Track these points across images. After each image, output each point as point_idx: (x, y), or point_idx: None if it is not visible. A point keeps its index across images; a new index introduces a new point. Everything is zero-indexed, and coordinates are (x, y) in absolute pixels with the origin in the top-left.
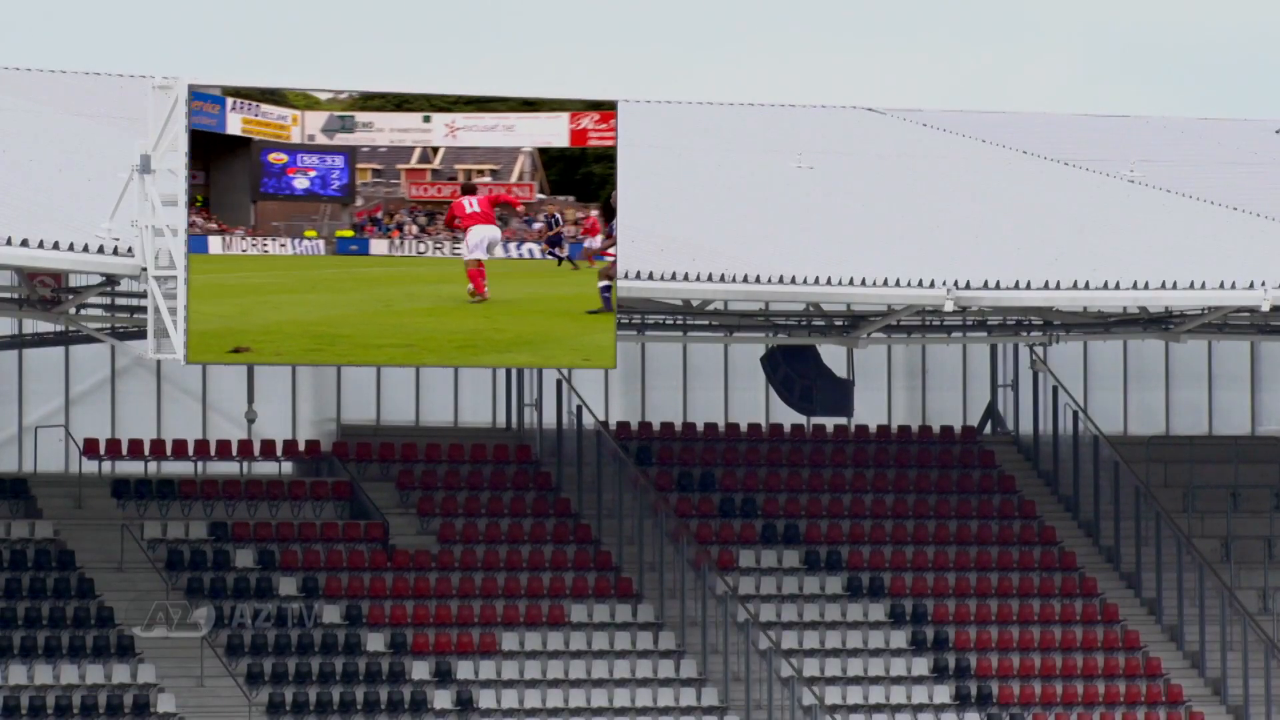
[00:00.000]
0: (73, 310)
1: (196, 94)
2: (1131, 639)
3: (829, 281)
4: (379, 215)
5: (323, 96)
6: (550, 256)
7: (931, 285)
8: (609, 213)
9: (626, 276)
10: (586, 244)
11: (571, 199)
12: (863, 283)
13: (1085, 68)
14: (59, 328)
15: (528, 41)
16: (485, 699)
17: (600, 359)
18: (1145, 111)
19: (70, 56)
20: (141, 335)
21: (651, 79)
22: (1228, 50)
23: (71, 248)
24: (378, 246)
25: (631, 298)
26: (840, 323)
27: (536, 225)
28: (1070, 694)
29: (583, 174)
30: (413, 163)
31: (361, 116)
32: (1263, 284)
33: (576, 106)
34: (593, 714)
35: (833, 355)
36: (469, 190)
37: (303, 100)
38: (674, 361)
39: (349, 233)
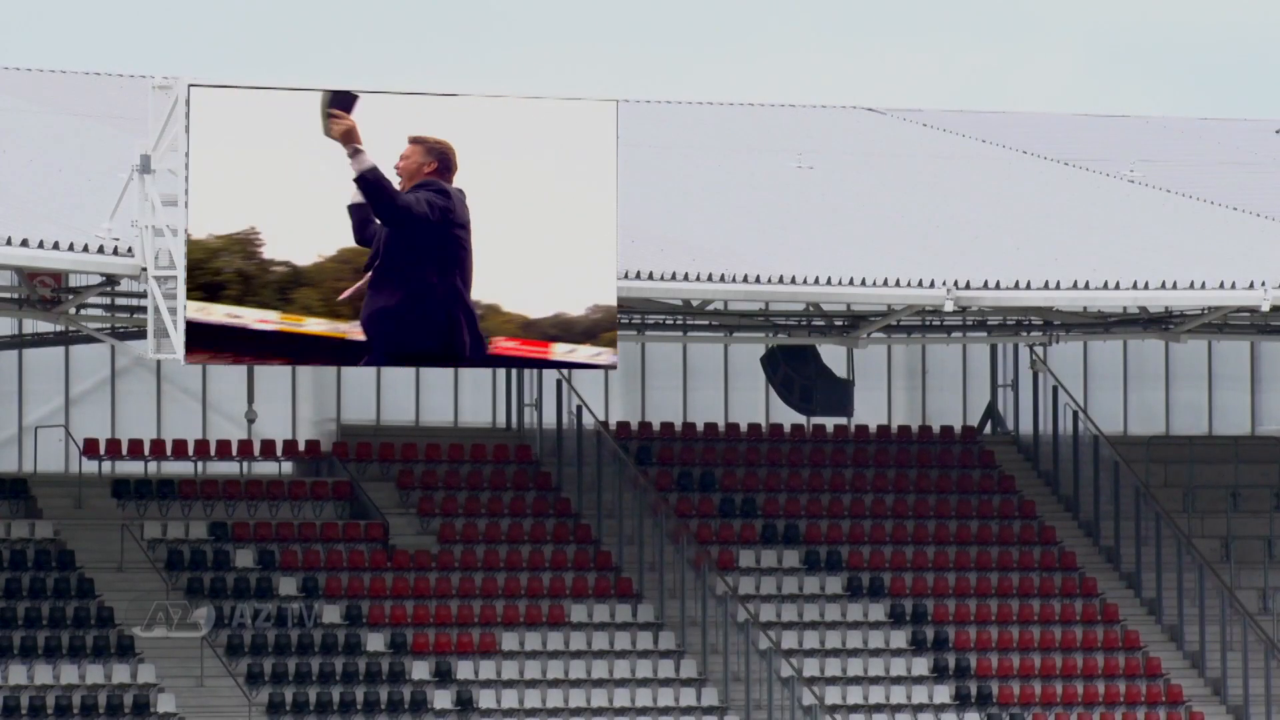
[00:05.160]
0: (73, 310)
1: None
2: (1131, 639)
3: (829, 281)
4: None
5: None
6: None
7: (931, 285)
8: None
9: (626, 276)
10: None
11: None
12: (863, 283)
13: (1086, 67)
14: (59, 328)
15: (528, 41)
16: (485, 699)
17: None
18: (1145, 111)
19: (70, 56)
20: (141, 335)
21: (651, 79)
22: (1228, 50)
23: (71, 248)
24: None
25: (631, 298)
26: (840, 323)
27: None
28: (1070, 694)
29: None
30: None
31: None
32: (1263, 284)
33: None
34: (593, 714)
35: (833, 355)
36: None
37: None
38: (674, 361)
39: None
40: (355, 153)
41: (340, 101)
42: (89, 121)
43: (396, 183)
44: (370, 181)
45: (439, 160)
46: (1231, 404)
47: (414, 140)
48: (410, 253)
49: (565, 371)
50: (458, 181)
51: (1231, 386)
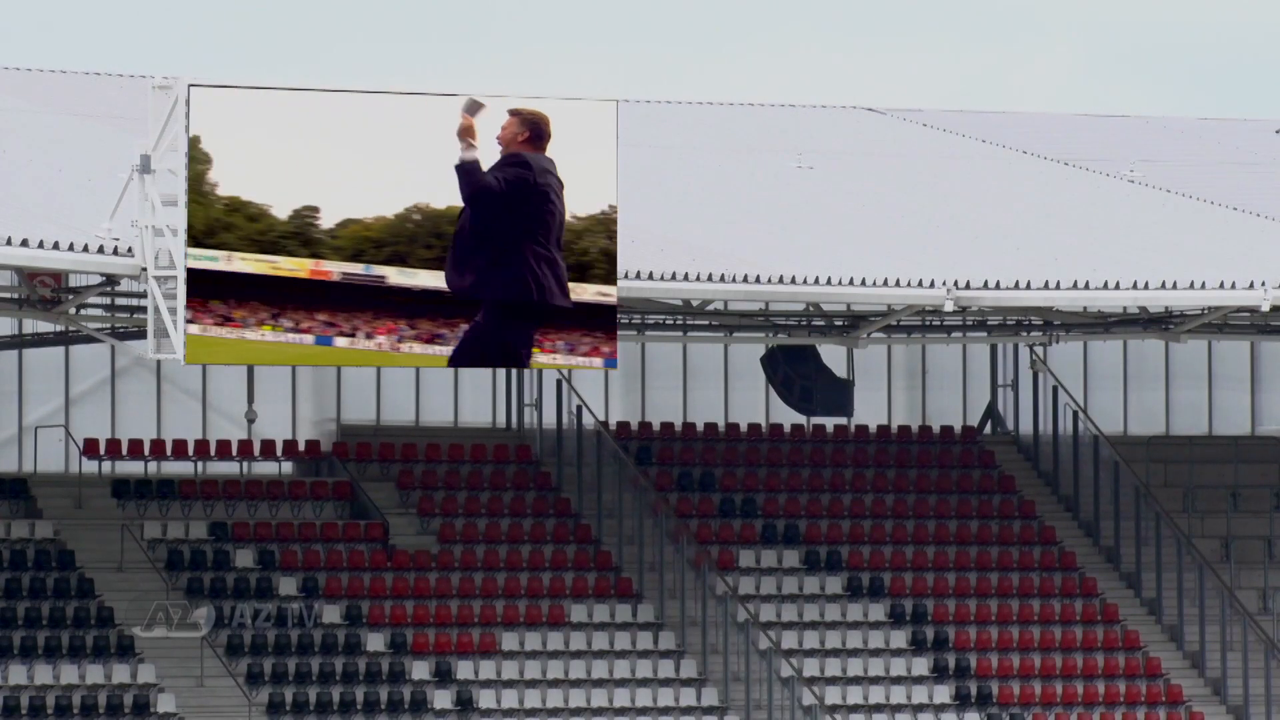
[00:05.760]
0: (73, 310)
1: None
2: (1131, 639)
3: (829, 281)
4: None
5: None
6: None
7: (931, 285)
8: None
9: (626, 276)
10: None
11: None
12: (863, 283)
13: (1086, 67)
14: (59, 328)
15: (528, 41)
16: (485, 699)
17: None
18: (1145, 111)
19: (70, 56)
20: (141, 335)
21: (651, 79)
22: (1228, 50)
23: (71, 248)
24: None
25: (631, 298)
26: (840, 323)
27: None
28: (1070, 694)
29: None
30: None
31: None
32: (1263, 284)
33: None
34: (593, 714)
35: (833, 355)
36: None
37: None
38: (674, 361)
39: None
40: (468, 147)
41: (469, 107)
42: (89, 121)
43: (497, 151)
44: (462, 170)
45: (531, 130)
46: (1231, 404)
47: (511, 112)
48: (492, 222)
49: (565, 371)
50: None
51: (1231, 386)
